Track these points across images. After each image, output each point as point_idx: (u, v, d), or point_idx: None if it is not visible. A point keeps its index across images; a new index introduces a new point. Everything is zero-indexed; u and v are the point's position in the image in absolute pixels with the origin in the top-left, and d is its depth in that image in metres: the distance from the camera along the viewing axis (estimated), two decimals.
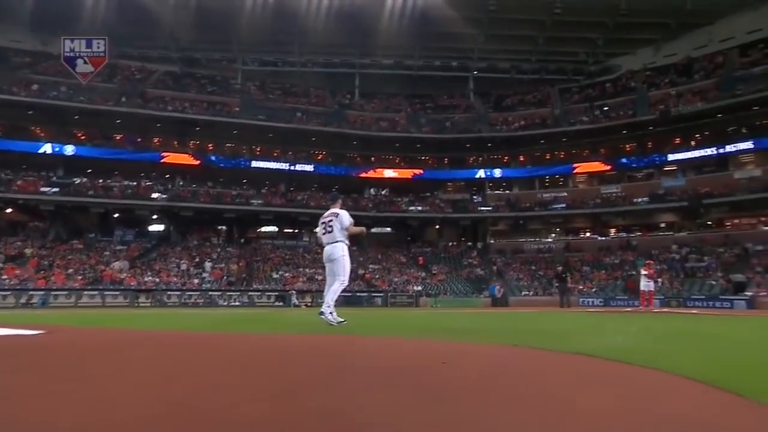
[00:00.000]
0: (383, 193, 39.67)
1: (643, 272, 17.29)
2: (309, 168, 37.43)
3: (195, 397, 2.07)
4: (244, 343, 4.90)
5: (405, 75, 42.15)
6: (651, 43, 38.57)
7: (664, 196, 33.74)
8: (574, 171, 37.95)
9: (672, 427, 1.66)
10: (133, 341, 5.14)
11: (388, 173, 38.91)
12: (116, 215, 35.05)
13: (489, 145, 38.72)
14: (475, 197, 39.30)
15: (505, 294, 29.58)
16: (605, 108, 36.74)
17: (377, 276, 32.22)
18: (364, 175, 38.43)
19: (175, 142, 35.66)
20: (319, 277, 27.81)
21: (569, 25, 36.48)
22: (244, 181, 37.02)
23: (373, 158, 39.34)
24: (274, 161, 36.95)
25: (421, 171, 39.42)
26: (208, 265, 30.92)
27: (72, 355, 3.78)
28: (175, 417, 1.74)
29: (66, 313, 15.13)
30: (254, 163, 36.39)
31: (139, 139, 35.42)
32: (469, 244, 39.23)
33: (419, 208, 37.86)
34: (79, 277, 27.16)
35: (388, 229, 39.57)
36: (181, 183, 35.84)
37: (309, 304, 26.23)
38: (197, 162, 35.21)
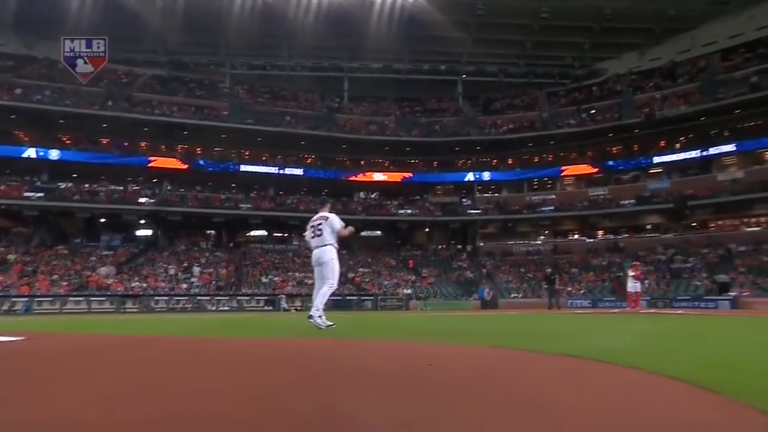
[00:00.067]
0: (373, 196, 39.68)
1: (631, 273, 17.50)
2: (298, 172, 37.31)
3: (181, 402, 2.05)
4: (233, 347, 4.87)
5: (394, 78, 42.31)
6: (636, 47, 39.19)
7: (650, 198, 34.20)
8: (562, 174, 38.32)
9: (655, 427, 1.69)
10: (116, 346, 5.07)
11: (378, 176, 38.94)
12: (103, 220, 34.62)
13: (478, 148, 38.96)
14: (464, 200, 39.47)
15: (494, 296, 29.69)
16: (592, 111, 37.20)
17: (367, 279, 32.18)
18: (353, 178, 38.41)
19: (163, 147, 35.31)
20: (309, 281, 27.68)
21: (556, 29, 36.95)
22: (233, 185, 36.78)
23: (362, 162, 39.36)
24: (263, 165, 36.76)
25: (411, 174, 39.51)
26: (196, 269, 30.63)
27: (50, 361, 3.71)
28: (161, 422, 1.72)
29: (50, 319, 14.88)
30: (243, 167, 36.18)
31: (126, 144, 35.02)
32: (459, 246, 39.37)
33: (409, 211, 37.92)
34: (64, 283, 26.73)
35: (378, 232, 39.59)
36: (169, 187, 35.48)
37: (299, 308, 26.10)
38: (185, 166, 34.91)
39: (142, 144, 35.40)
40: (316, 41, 37.17)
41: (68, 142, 34.02)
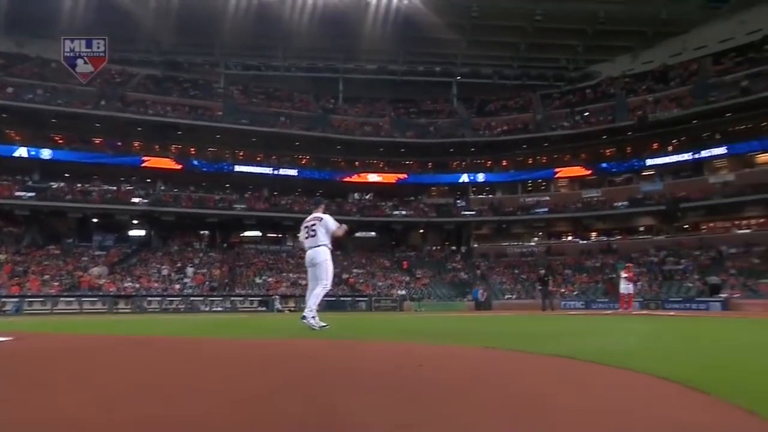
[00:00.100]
0: (367, 197, 39.67)
1: (623, 275, 17.60)
2: (292, 172, 37.20)
3: (175, 403, 2.04)
4: (226, 347, 4.85)
5: (389, 80, 42.31)
6: (629, 50, 39.48)
7: (642, 201, 34.44)
8: (556, 175, 38.51)
9: (647, 427, 1.70)
10: (109, 347, 5.03)
11: (372, 177, 38.93)
12: (95, 220, 34.34)
13: (472, 149, 39.06)
14: (458, 201, 39.56)
15: (488, 297, 29.77)
16: (585, 113, 37.40)
17: (361, 280, 32.17)
18: (348, 179, 38.38)
19: (157, 146, 35.07)
20: (303, 282, 27.55)
21: (550, 32, 37.14)
22: (227, 185, 36.61)
23: (357, 163, 39.35)
24: (257, 166, 36.62)
25: (405, 175, 39.54)
26: (190, 270, 30.47)
27: (41, 362, 3.68)
28: (155, 422, 1.72)
29: (40, 319, 14.75)
30: (237, 168, 36.02)
31: (119, 143, 34.76)
32: (453, 248, 39.44)
33: (403, 212, 37.96)
34: (56, 284, 26.49)
35: (372, 233, 39.58)
36: (162, 187, 35.28)
37: (292, 308, 26.04)
38: (179, 166, 34.72)
39: (136, 144, 35.15)
40: (311, 42, 37.12)
41: (60, 141, 33.72)
